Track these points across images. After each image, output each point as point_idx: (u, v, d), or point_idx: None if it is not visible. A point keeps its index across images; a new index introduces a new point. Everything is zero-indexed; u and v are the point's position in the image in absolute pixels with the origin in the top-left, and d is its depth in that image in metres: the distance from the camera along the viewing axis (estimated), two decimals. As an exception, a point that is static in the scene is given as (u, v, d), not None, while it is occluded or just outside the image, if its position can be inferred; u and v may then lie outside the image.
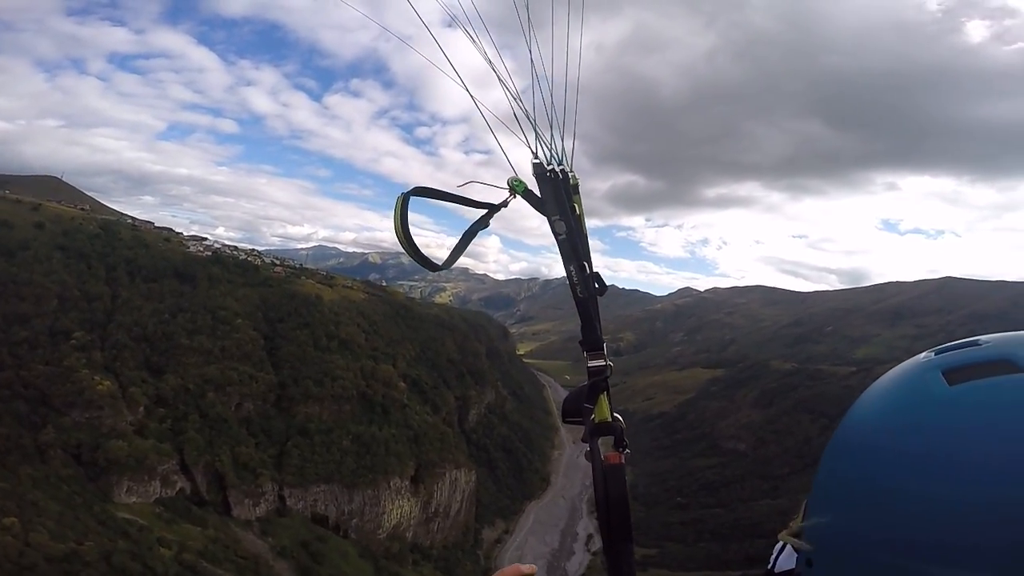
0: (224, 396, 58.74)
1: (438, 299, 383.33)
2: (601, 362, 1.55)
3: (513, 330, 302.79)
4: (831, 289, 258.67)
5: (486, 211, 1.59)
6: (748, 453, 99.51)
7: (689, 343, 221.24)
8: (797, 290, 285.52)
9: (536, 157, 1.56)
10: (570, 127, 1.67)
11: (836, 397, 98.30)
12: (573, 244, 1.53)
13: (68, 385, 51.60)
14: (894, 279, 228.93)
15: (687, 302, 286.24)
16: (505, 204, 1.59)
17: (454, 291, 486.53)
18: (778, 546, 1.33)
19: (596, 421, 1.51)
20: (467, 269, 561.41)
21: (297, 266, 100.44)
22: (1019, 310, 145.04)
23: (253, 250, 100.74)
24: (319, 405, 62.68)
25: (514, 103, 1.58)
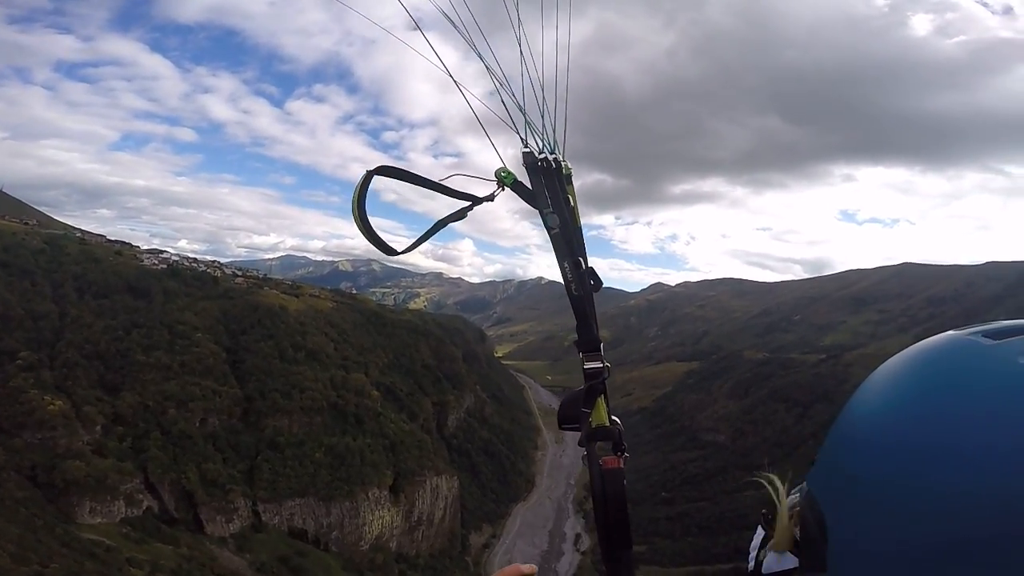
0: (187, 412, 56.10)
1: (412, 305, 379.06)
2: (598, 364, 1.45)
3: (490, 332, 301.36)
4: (796, 279, 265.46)
5: (469, 203, 1.45)
6: (728, 445, 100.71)
7: (664, 337, 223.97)
8: (764, 280, 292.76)
9: (526, 146, 1.43)
10: (561, 113, 1.51)
11: (808, 385, 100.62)
12: (567, 239, 1.41)
13: (16, 407, 48.65)
14: (855, 267, 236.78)
15: (659, 297, 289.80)
16: (491, 197, 1.44)
17: (428, 296, 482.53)
18: (755, 542, 1.23)
19: (594, 425, 1.45)
20: (441, 273, 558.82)
21: (261, 276, 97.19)
22: (974, 291, 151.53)
23: (214, 262, 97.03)
24: (288, 418, 60.40)
25: (502, 91, 1.45)
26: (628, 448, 1.43)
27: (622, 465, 1.38)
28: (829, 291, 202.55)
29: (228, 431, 58.08)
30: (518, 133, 1.42)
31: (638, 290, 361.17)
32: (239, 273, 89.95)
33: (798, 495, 1.19)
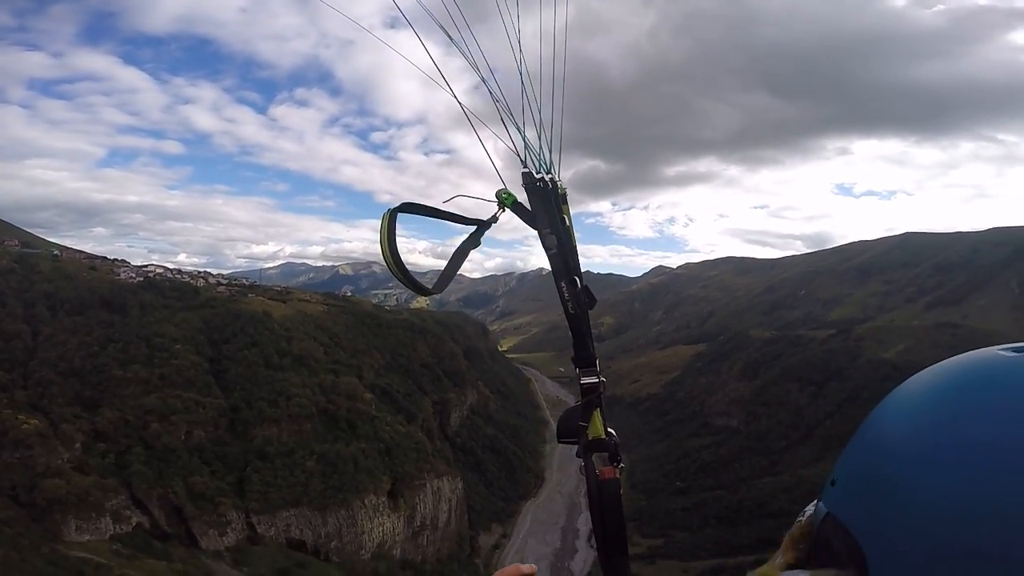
0: (170, 425, 53.83)
1: (415, 304, 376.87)
2: (594, 379, 1.50)
3: (495, 326, 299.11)
4: (799, 254, 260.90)
5: (476, 227, 1.53)
6: (741, 429, 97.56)
7: (669, 320, 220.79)
8: (766, 257, 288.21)
9: (525, 166, 1.49)
10: (556, 134, 1.59)
11: (820, 362, 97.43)
12: (564, 258, 1.48)
13: (-10, 427, 46.55)
14: (856, 239, 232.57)
15: (662, 280, 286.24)
16: (495, 220, 1.52)
17: (430, 295, 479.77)
18: None
19: (591, 438, 1.51)
20: (440, 271, 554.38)
21: (247, 283, 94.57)
22: (981, 257, 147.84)
23: (204, 273, 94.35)
24: (276, 426, 57.88)
25: (503, 114, 1.52)
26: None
27: (618, 475, 1.45)
28: (832, 264, 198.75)
29: (214, 443, 55.69)
30: (517, 154, 1.48)
31: (640, 275, 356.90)
32: (223, 282, 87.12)
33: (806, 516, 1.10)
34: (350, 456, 57.40)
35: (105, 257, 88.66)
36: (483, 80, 1.49)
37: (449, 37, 1.44)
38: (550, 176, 1.49)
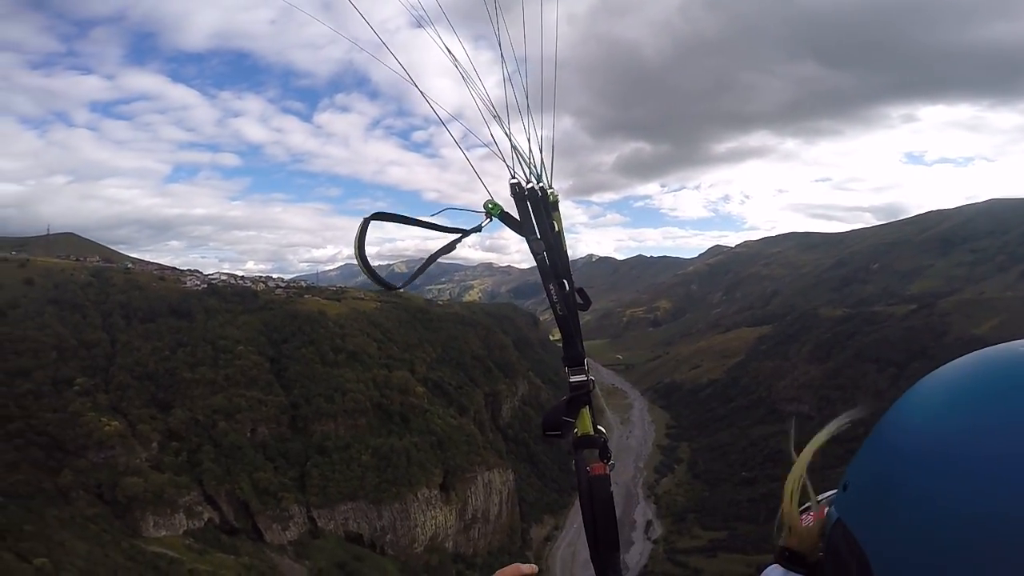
0: (236, 423, 56.54)
1: (467, 297, 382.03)
2: (583, 377, 1.59)
3: (545, 316, 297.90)
4: (869, 226, 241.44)
5: (457, 235, 1.64)
6: (813, 415, 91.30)
7: (729, 302, 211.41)
8: (833, 232, 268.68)
9: (513, 177, 1.58)
10: (547, 139, 1.67)
11: (900, 340, 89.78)
12: (552, 262, 1.57)
13: (77, 429, 50.53)
14: (933, 208, 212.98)
15: (720, 260, 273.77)
16: (479, 229, 1.61)
17: (482, 288, 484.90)
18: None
19: (579, 434, 1.58)
20: (491, 264, 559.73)
21: (304, 285, 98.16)
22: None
23: (262, 277, 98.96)
24: (333, 421, 59.60)
25: (491, 123, 1.62)
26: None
27: (608, 472, 1.51)
28: (909, 235, 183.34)
29: (277, 439, 58.01)
30: (506, 164, 1.56)
31: (695, 255, 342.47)
32: (281, 285, 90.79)
33: (828, 506, 1.07)
34: (403, 450, 58.28)
35: (175, 268, 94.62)
36: (472, 93, 1.58)
37: (447, 50, 1.56)
38: (540, 185, 1.57)
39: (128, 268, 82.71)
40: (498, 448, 79.28)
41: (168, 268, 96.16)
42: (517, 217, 1.57)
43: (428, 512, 58.55)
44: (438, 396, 73.47)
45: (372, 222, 1.51)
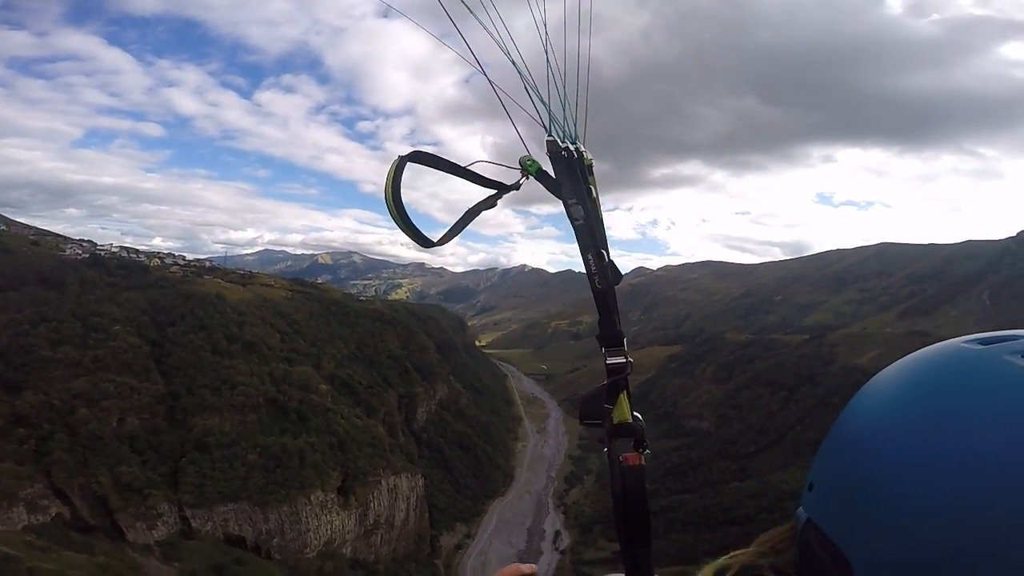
0: (100, 411, 49.86)
1: (394, 296, 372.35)
2: (621, 359, 1.41)
3: (474, 321, 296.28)
4: (776, 260, 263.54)
5: (496, 191, 1.47)
6: (712, 432, 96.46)
7: (646, 321, 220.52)
8: (745, 263, 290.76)
9: (550, 135, 1.44)
10: (582, 104, 1.51)
11: (793, 367, 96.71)
12: (591, 230, 1.41)
13: None
14: (833, 247, 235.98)
15: (641, 281, 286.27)
16: (517, 186, 1.46)
17: (411, 287, 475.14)
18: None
19: (616, 422, 1.42)
20: (423, 264, 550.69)
21: (206, 265, 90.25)
22: (954, 268, 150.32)
23: (157, 253, 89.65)
24: (218, 416, 54.31)
25: (525, 81, 1.46)
26: (648, 443, 1.41)
27: (643, 462, 1.36)
28: (809, 271, 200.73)
29: (149, 431, 51.94)
30: (540, 122, 1.43)
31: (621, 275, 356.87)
32: (180, 263, 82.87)
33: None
34: (296, 450, 54.16)
35: (60, 234, 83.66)
36: (503, 50, 1.42)
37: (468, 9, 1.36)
38: (575, 146, 1.43)
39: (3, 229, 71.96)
40: (409, 452, 76.40)
41: (51, 234, 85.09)
42: (554, 178, 1.38)
43: (323, 516, 54.64)
44: (345, 395, 69.52)
45: (408, 164, 1.30)
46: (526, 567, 1.34)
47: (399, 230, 1.30)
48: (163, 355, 57.14)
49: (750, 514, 63.46)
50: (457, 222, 1.41)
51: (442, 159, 1.36)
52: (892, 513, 0.79)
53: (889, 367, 0.97)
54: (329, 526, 55.75)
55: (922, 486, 0.77)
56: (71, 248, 70.43)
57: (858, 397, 0.97)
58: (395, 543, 64.57)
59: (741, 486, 75.46)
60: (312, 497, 53.65)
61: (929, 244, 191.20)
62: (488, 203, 1.45)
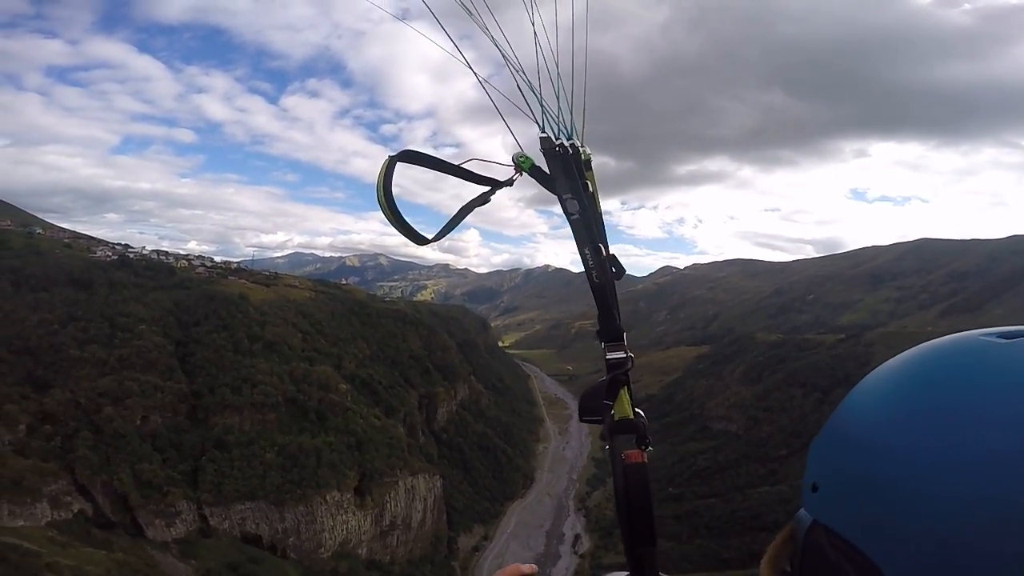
0: (124, 409, 50.89)
1: (419, 297, 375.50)
2: (621, 354, 1.41)
3: (498, 322, 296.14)
4: (808, 258, 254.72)
5: (488, 187, 1.46)
6: (741, 434, 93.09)
7: (673, 321, 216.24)
8: (775, 260, 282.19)
9: (543, 131, 1.45)
10: (578, 98, 1.53)
11: (826, 368, 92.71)
12: (587, 224, 1.42)
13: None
14: (868, 244, 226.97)
15: (668, 280, 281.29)
16: (510, 182, 1.47)
17: (435, 288, 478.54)
18: None
19: (616, 418, 1.41)
20: (448, 265, 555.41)
21: (234, 267, 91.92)
22: (998, 265, 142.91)
23: (187, 255, 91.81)
24: (238, 415, 54.85)
25: (517, 76, 1.49)
26: (650, 440, 1.40)
27: (645, 460, 1.35)
28: (843, 269, 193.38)
29: (171, 429, 52.79)
30: (534, 119, 1.43)
31: (646, 275, 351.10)
32: (207, 265, 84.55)
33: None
34: (313, 449, 54.26)
35: (95, 238, 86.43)
36: (494, 43, 1.43)
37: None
38: (571, 142, 1.43)
39: (32, 232, 74.61)
40: (428, 453, 76.05)
41: (84, 236, 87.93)
42: (548, 174, 1.40)
43: (338, 516, 54.65)
44: (365, 395, 69.59)
45: (399, 163, 1.30)
46: (526, 567, 1.33)
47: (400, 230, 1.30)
48: (187, 354, 58.20)
49: (780, 520, 59.24)
50: (450, 220, 1.39)
51: (433, 157, 1.35)
52: (926, 515, 0.75)
53: (894, 361, 0.92)
54: (345, 526, 55.71)
55: (952, 485, 0.74)
56: (101, 250, 72.48)
57: (861, 392, 0.92)
58: (411, 544, 64.27)
59: (771, 490, 72.57)
60: (328, 497, 53.72)
61: (971, 240, 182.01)
62: (481, 200, 1.43)
